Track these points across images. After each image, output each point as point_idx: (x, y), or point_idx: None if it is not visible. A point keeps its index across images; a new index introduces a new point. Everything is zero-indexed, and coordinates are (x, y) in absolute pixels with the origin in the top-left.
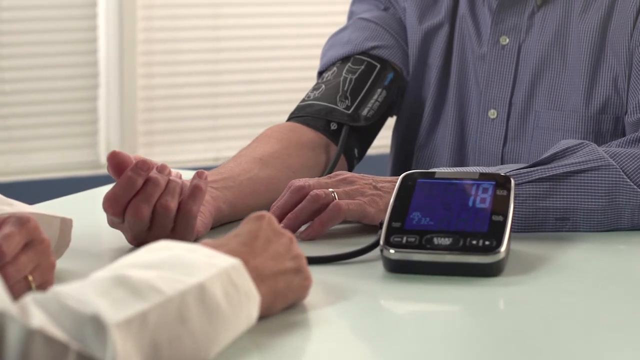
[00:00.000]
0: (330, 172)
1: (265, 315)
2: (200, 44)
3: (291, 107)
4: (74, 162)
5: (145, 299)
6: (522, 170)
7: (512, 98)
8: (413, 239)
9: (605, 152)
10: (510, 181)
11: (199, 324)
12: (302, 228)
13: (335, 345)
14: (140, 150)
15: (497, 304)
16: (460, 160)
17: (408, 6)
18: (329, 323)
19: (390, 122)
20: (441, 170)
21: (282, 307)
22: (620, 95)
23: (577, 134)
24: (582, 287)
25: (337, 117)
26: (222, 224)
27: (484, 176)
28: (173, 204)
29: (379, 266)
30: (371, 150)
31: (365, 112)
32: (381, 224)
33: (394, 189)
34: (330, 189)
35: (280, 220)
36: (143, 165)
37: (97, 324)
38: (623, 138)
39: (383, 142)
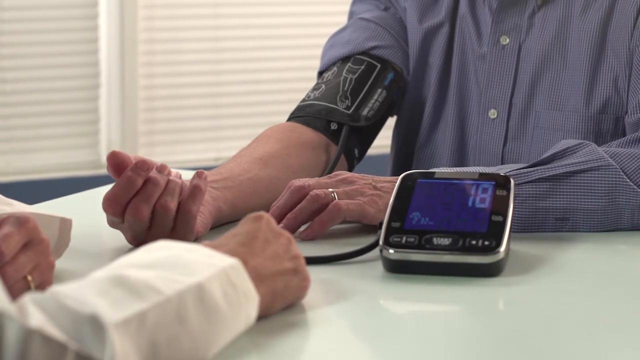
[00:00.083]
0: (330, 172)
1: (264, 315)
2: (201, 44)
3: (292, 107)
4: (75, 162)
5: (143, 299)
6: (522, 171)
7: (512, 98)
8: (412, 239)
9: (605, 152)
10: (510, 181)
11: (198, 324)
12: (302, 228)
13: (334, 345)
14: (141, 150)
15: (497, 304)
16: (461, 160)
17: (408, 6)
18: (328, 323)
19: (391, 122)
20: (441, 171)
21: (280, 308)
22: (621, 95)
23: (578, 134)
24: (582, 287)
25: (337, 117)
26: (222, 224)
27: (483, 176)
28: (173, 204)
29: (379, 266)
30: (371, 150)
31: (365, 112)
32: (381, 224)
33: (393, 189)
34: (330, 189)
35: (279, 220)
36: (143, 165)
37: (95, 324)
38: (623, 138)
39: (383, 142)
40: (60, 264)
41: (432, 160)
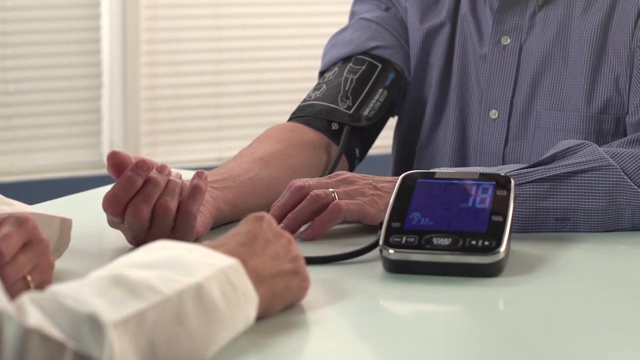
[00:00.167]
0: (331, 172)
1: (263, 315)
2: (204, 44)
3: (294, 107)
4: (77, 162)
5: (142, 299)
6: (522, 171)
7: (513, 98)
8: (412, 239)
9: (605, 153)
10: (510, 181)
11: (197, 324)
12: (303, 228)
13: (334, 346)
14: (143, 150)
15: (497, 304)
16: (462, 161)
17: (409, 6)
18: (328, 323)
19: (392, 122)
20: (441, 171)
21: (280, 308)
22: (622, 95)
23: (578, 134)
24: (582, 287)
25: (338, 117)
26: (222, 224)
27: (484, 176)
28: (173, 204)
29: (379, 266)
30: (372, 151)
31: (366, 112)
32: (381, 224)
33: (394, 189)
34: (331, 189)
35: (280, 220)
36: (143, 165)
37: (94, 323)
38: (624, 138)
39: (384, 142)
40: (60, 264)
41: (433, 161)
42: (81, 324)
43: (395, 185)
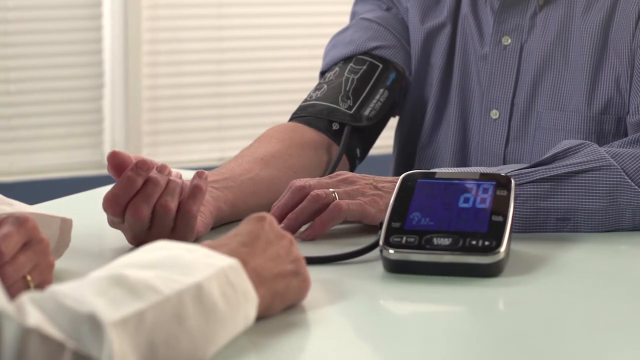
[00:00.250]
0: (331, 173)
1: (263, 316)
2: (205, 44)
3: (296, 107)
4: (79, 162)
5: (142, 299)
6: (523, 171)
7: (514, 98)
8: (412, 239)
9: (606, 153)
10: (510, 181)
11: (196, 324)
12: (303, 228)
13: (334, 345)
14: (145, 150)
15: (497, 304)
16: (463, 161)
17: (410, 6)
18: (328, 323)
19: (393, 122)
20: (442, 171)
21: (280, 309)
22: (623, 95)
23: (579, 134)
24: (582, 288)
25: (339, 117)
26: (222, 224)
27: (484, 176)
28: (173, 204)
29: (379, 266)
30: (374, 151)
31: (367, 112)
32: (381, 224)
33: (394, 189)
34: (331, 189)
35: (280, 220)
36: (143, 165)
37: (93, 323)
38: (625, 138)
39: (385, 142)
40: (60, 263)
41: (435, 161)
42: (81, 324)
43: (395, 185)
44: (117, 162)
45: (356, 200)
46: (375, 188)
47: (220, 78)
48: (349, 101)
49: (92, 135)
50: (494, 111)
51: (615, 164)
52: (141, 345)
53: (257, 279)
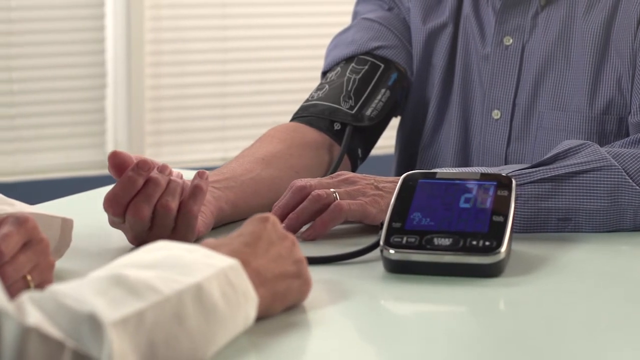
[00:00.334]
0: (333, 173)
1: (263, 316)
2: (208, 44)
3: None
4: (82, 162)
5: (142, 298)
6: (524, 171)
7: (515, 98)
8: (413, 240)
9: (607, 153)
10: (511, 182)
11: (196, 324)
12: (304, 228)
13: (335, 346)
14: (147, 150)
15: (498, 305)
16: (464, 161)
17: (412, 6)
18: (329, 323)
19: (395, 122)
20: (442, 171)
21: (280, 310)
22: (624, 95)
23: (581, 134)
24: (583, 288)
25: (340, 117)
26: (223, 224)
27: (485, 177)
28: (174, 204)
29: (379, 266)
30: (375, 151)
31: (368, 112)
32: (382, 224)
33: (395, 189)
34: (332, 189)
35: (281, 220)
36: (144, 165)
37: (93, 323)
38: (626, 139)
39: (387, 142)
40: (61, 263)
41: (436, 161)
42: (81, 324)
43: (396, 185)
44: (117, 162)
45: (357, 200)
46: (376, 188)
47: (224, 78)
48: (350, 101)
49: (95, 135)
50: (496, 111)
51: (617, 165)
52: (141, 345)
53: (258, 279)
